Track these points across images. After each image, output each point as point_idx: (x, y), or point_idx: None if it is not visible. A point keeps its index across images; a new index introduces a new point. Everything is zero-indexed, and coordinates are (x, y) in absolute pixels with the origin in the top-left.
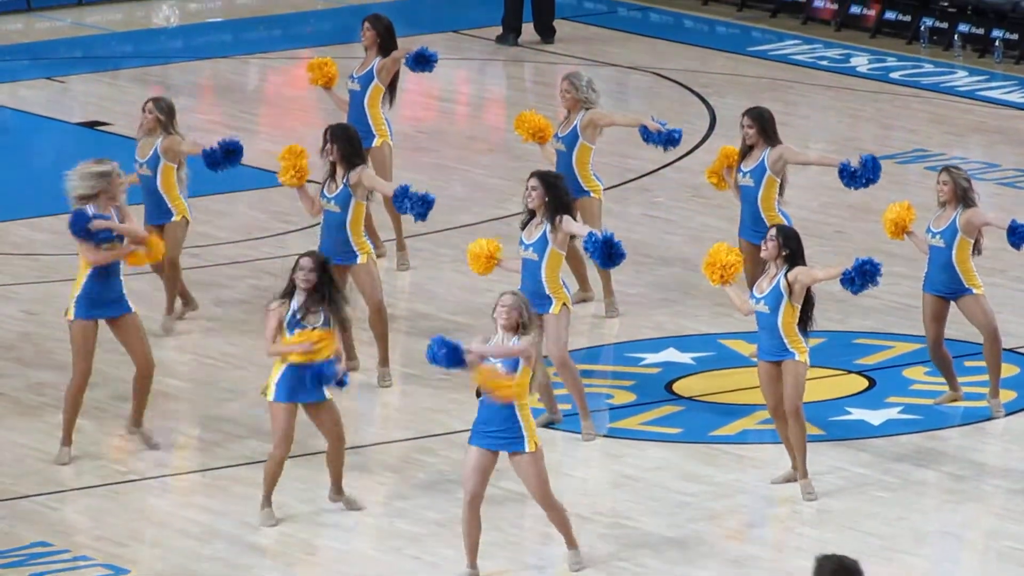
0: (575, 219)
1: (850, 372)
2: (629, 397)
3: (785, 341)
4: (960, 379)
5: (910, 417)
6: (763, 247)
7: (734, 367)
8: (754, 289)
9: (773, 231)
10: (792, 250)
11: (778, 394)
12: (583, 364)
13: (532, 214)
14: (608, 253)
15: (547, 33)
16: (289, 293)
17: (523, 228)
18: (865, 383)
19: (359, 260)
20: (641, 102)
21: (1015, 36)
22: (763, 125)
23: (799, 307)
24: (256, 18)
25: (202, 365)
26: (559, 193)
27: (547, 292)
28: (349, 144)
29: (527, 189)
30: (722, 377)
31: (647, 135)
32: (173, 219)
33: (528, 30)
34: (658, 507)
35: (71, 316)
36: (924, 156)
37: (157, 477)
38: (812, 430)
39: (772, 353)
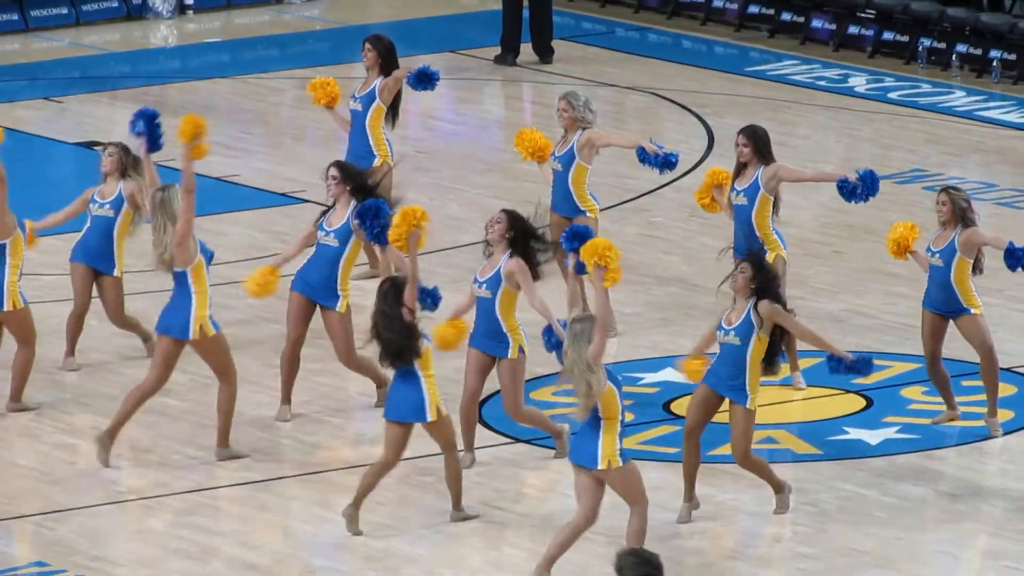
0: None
1: (848, 391)
2: (627, 417)
3: (746, 378)
4: (957, 398)
5: (908, 437)
6: (732, 280)
7: None
8: (723, 320)
9: (744, 264)
10: (762, 283)
11: (702, 420)
12: None
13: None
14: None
15: (546, 53)
16: None
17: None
18: (863, 402)
19: (338, 307)
20: (639, 122)
21: (1013, 56)
22: (757, 143)
23: (767, 340)
24: (254, 38)
25: (200, 385)
26: (524, 230)
27: (504, 331)
28: (359, 180)
29: (491, 223)
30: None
31: (644, 156)
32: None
33: (527, 50)
34: (656, 526)
35: (212, 332)
36: (922, 176)
37: (155, 497)
38: (809, 449)
39: (725, 387)
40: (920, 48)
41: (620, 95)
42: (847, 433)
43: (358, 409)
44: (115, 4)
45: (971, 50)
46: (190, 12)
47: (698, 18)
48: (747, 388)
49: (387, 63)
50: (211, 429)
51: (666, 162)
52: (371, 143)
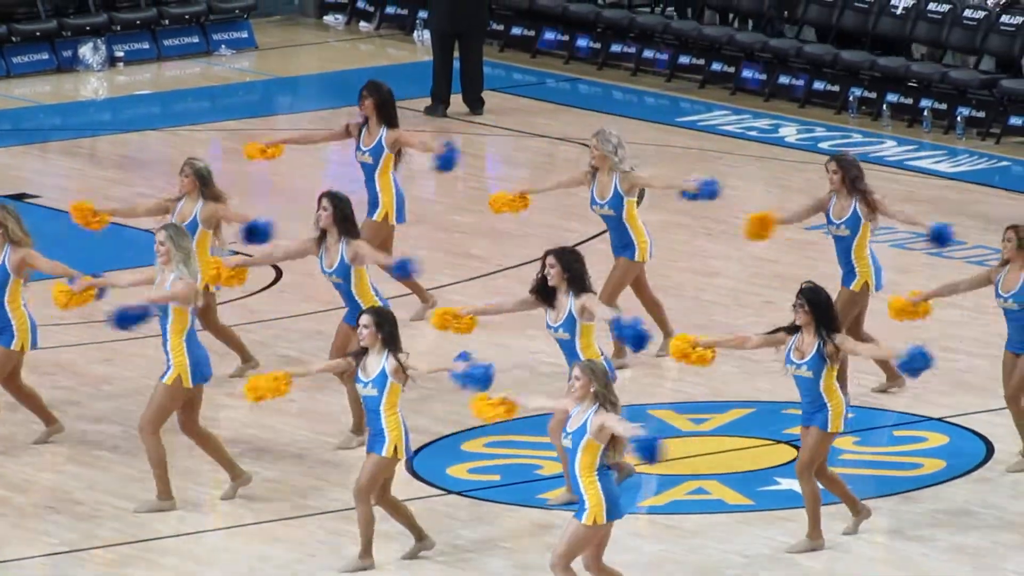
0: None
1: (779, 442)
2: (558, 468)
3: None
4: (888, 448)
5: None
6: (795, 314)
7: (663, 438)
8: (791, 354)
9: (801, 299)
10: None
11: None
12: (517, 435)
13: None
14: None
15: (476, 104)
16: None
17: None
18: (794, 453)
19: None
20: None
21: (943, 106)
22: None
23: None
24: (184, 90)
25: (131, 436)
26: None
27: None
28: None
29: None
30: None
31: (689, 195)
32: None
33: (457, 101)
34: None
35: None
36: None
37: (87, 549)
38: (741, 499)
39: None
40: (851, 98)
41: (551, 146)
42: (778, 483)
43: (287, 459)
44: (45, 56)
45: (902, 99)
46: (120, 64)
47: (629, 69)
48: (830, 412)
49: (386, 111)
50: (142, 481)
51: (711, 193)
52: (378, 192)
